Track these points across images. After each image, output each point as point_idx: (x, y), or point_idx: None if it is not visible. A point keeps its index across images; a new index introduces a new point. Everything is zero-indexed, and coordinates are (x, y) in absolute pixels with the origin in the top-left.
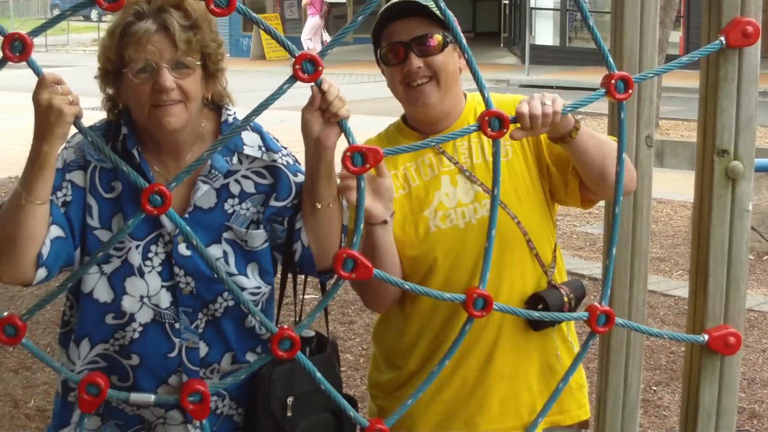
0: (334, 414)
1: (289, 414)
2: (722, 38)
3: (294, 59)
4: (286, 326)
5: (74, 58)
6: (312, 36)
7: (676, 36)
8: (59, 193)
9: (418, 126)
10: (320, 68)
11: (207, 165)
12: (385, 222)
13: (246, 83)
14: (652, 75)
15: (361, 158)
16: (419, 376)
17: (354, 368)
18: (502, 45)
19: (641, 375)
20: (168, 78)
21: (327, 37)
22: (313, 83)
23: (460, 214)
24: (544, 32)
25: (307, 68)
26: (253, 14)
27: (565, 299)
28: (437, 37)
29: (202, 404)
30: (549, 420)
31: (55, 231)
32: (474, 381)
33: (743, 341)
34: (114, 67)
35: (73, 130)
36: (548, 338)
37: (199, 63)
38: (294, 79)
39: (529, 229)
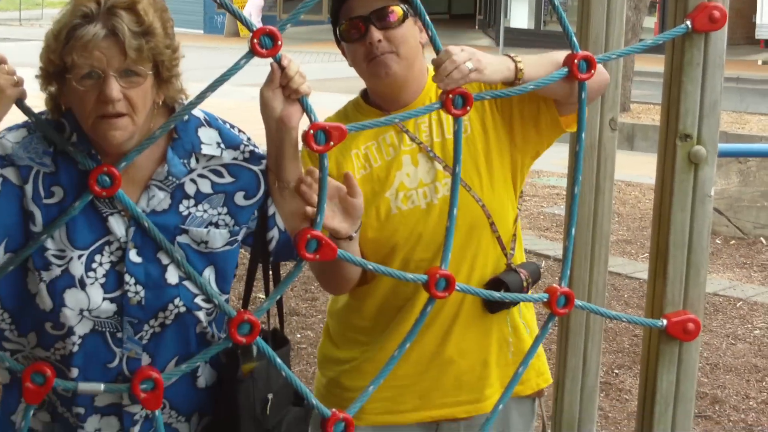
0: (297, 403)
1: (268, 413)
2: (688, 22)
3: (252, 33)
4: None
5: None
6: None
7: (651, 21)
8: None
9: (380, 101)
10: (279, 43)
11: (164, 169)
12: (350, 237)
13: (219, 60)
14: (615, 56)
15: (324, 136)
16: (376, 352)
17: (314, 345)
18: (477, 27)
19: (600, 358)
20: (114, 88)
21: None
22: (271, 58)
23: (421, 194)
24: (519, 15)
25: (266, 43)
26: None
27: (524, 283)
28: (397, 10)
29: (155, 392)
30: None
31: None
32: (429, 358)
33: (707, 326)
34: (57, 71)
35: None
36: (502, 321)
37: (150, 72)
38: (252, 54)
39: (492, 210)
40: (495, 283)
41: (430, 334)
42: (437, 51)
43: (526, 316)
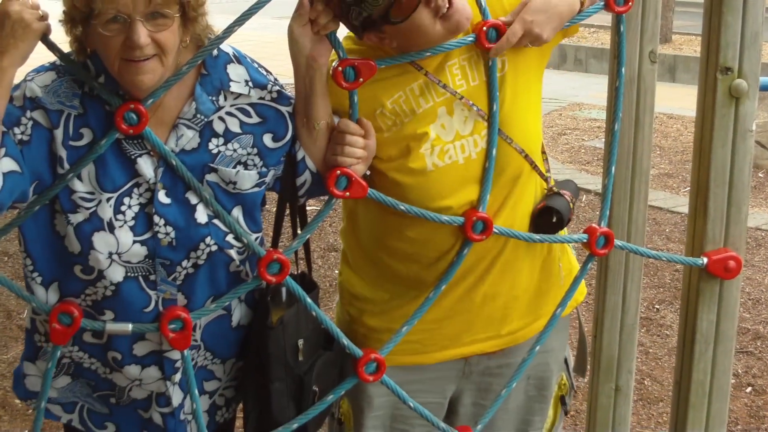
0: (327, 347)
1: (300, 358)
2: None
3: None
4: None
5: None
6: None
7: None
8: (17, 130)
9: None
10: None
11: (192, 107)
12: (364, 177)
13: None
14: None
15: (353, 72)
16: (409, 300)
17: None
18: None
19: (640, 296)
20: (142, 33)
21: None
22: None
23: (459, 148)
24: None
25: None
26: None
27: (570, 205)
28: None
29: (184, 332)
30: (552, 317)
31: (9, 164)
32: (461, 303)
33: (749, 261)
34: (81, 16)
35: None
36: (540, 252)
37: (177, 14)
38: None
39: (532, 152)
40: (545, 211)
41: (464, 281)
42: (481, 8)
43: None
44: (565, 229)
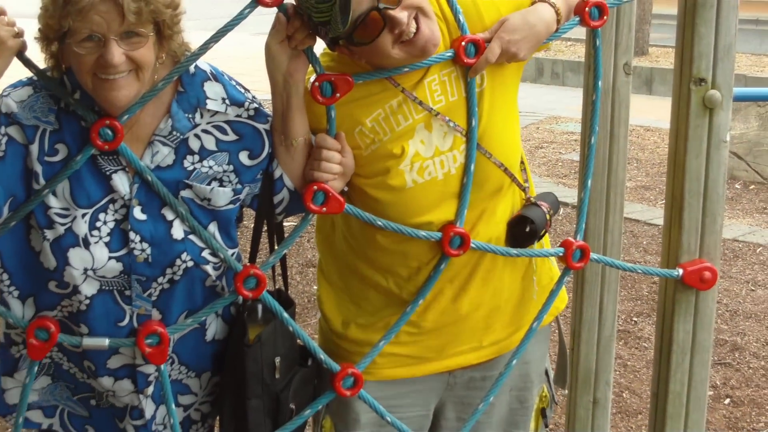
0: (303, 363)
1: (277, 376)
2: None
3: None
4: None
5: None
6: None
7: None
8: None
9: (382, 65)
10: None
11: (168, 124)
12: (341, 193)
13: (235, 8)
14: (627, 0)
15: (330, 88)
16: (390, 317)
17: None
18: None
19: (617, 308)
20: (116, 52)
21: None
22: (276, 8)
23: (438, 163)
24: None
25: None
26: None
27: (547, 215)
28: None
29: (161, 347)
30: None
31: None
32: (445, 315)
33: (726, 272)
34: (56, 35)
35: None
36: (525, 260)
37: (151, 33)
38: (255, 3)
39: (511, 165)
40: (519, 220)
41: (446, 292)
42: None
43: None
44: (547, 238)
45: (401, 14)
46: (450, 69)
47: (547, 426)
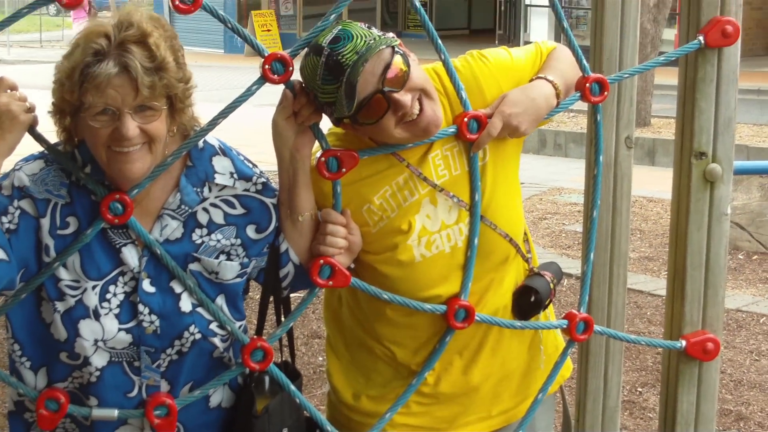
0: None
1: None
2: (701, 38)
3: (263, 59)
4: (256, 336)
5: None
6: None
7: (671, 33)
8: (4, 219)
9: (384, 142)
10: (290, 69)
11: (176, 198)
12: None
13: (240, 80)
14: (627, 75)
15: (336, 163)
16: (401, 384)
17: None
18: (497, 42)
19: (621, 379)
20: (131, 126)
21: None
22: (283, 85)
23: (444, 237)
24: (539, 29)
25: (277, 69)
26: (220, 12)
27: (551, 285)
28: (397, 64)
29: (169, 418)
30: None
31: None
32: (456, 387)
33: (730, 342)
34: (71, 109)
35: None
36: (531, 331)
37: (164, 107)
38: (263, 80)
39: (516, 235)
40: (524, 290)
41: (456, 363)
42: (452, 78)
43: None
44: (551, 307)
45: (405, 97)
46: (452, 144)
47: None
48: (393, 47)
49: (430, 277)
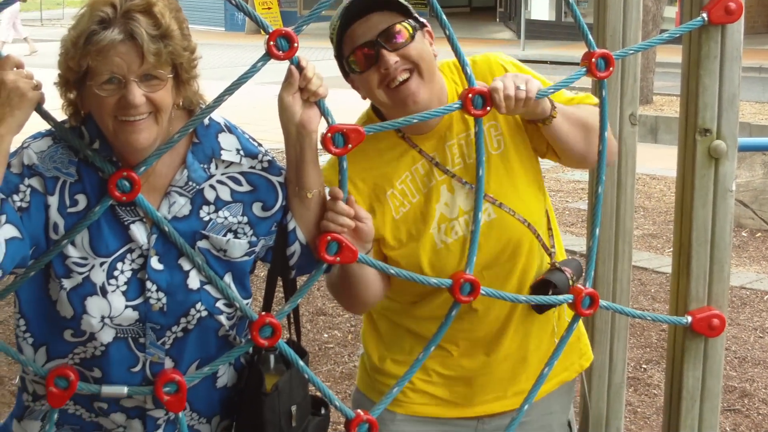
0: (315, 413)
1: (294, 424)
2: (704, 15)
3: (268, 36)
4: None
5: None
6: (14, 22)
7: (672, 11)
8: (16, 197)
9: (403, 128)
10: (295, 45)
11: (183, 175)
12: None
13: (241, 58)
14: (632, 51)
15: (342, 139)
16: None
17: (342, 345)
18: (497, 20)
19: (626, 355)
20: (137, 93)
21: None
22: (288, 61)
23: (463, 223)
24: (540, 7)
25: (282, 45)
26: None
27: (570, 281)
28: (404, 27)
29: (178, 395)
30: (556, 380)
31: (11, 231)
32: (477, 362)
33: (734, 319)
34: (76, 78)
35: (34, 129)
36: (548, 317)
37: (170, 75)
38: (268, 56)
39: (535, 222)
40: (542, 284)
41: (480, 344)
42: (456, 51)
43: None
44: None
45: (392, 58)
46: (466, 133)
47: None
48: (413, 17)
49: (453, 261)
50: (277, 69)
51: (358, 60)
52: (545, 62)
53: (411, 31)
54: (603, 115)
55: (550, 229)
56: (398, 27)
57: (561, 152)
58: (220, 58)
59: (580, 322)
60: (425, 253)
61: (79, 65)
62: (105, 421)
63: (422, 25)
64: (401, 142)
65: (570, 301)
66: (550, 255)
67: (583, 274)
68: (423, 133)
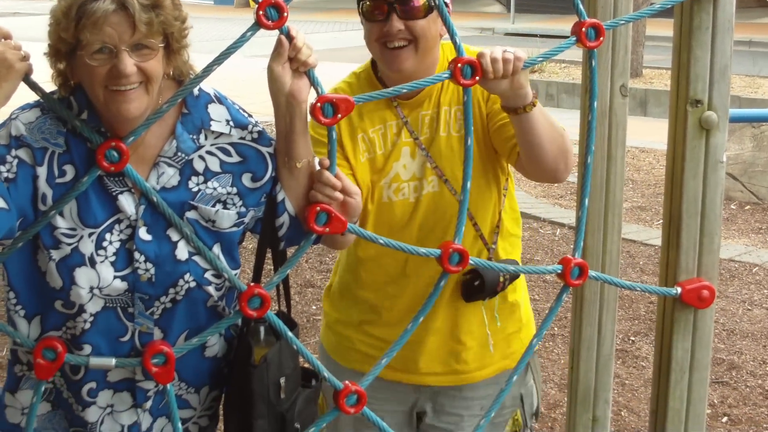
0: (305, 384)
1: (282, 396)
2: None
3: (257, 5)
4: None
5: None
6: None
7: None
8: (2, 168)
9: (389, 84)
10: (285, 14)
11: (172, 146)
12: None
13: (230, 31)
14: (623, 22)
15: (331, 109)
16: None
17: None
18: None
19: (615, 327)
20: (128, 63)
21: None
22: (278, 31)
23: (412, 187)
24: None
25: (271, 14)
26: None
27: (501, 278)
28: (423, 0)
29: (167, 366)
30: (498, 366)
31: None
32: (414, 336)
33: (723, 292)
34: (67, 48)
35: (22, 100)
36: (477, 309)
37: (161, 45)
38: (257, 26)
39: (475, 210)
40: (471, 273)
41: (409, 307)
42: (445, 21)
43: (503, 312)
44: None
45: (397, 24)
46: (435, 110)
47: None
48: None
49: (392, 220)
50: (266, 42)
51: (370, 11)
52: (535, 35)
53: (426, 7)
54: (593, 85)
55: (497, 227)
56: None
57: (528, 151)
58: (209, 31)
59: (525, 315)
60: (372, 202)
61: (72, 36)
62: (90, 412)
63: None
64: (387, 99)
65: (559, 271)
66: (488, 250)
67: (518, 277)
68: (405, 97)
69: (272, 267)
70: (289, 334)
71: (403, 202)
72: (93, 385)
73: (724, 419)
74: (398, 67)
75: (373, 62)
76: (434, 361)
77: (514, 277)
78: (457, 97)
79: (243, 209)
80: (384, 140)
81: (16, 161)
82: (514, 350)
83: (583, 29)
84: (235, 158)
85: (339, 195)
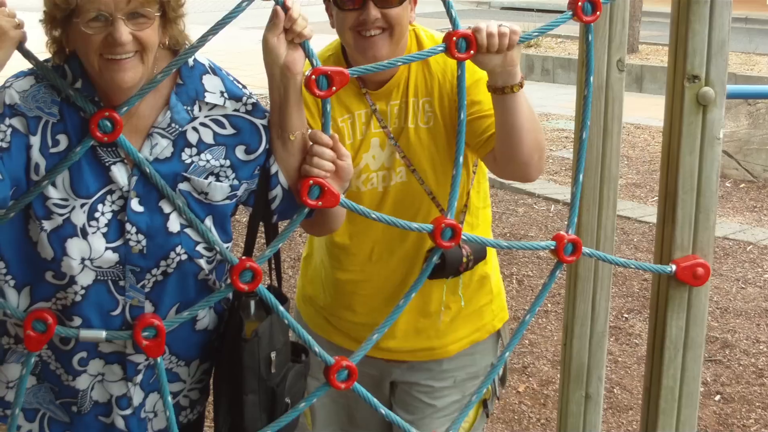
0: (296, 359)
1: (273, 370)
2: None
3: None
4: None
5: None
6: None
7: None
8: None
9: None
10: None
11: (166, 116)
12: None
13: (226, 2)
14: None
15: (326, 81)
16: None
17: None
18: None
19: (609, 304)
20: (124, 31)
21: None
22: (273, 1)
23: (381, 177)
24: None
25: None
26: None
27: (464, 259)
28: None
29: (157, 339)
30: (470, 339)
31: None
32: (371, 310)
33: (717, 270)
34: (63, 15)
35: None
36: (438, 288)
37: (157, 13)
38: None
39: (440, 195)
40: (434, 251)
41: (386, 289)
42: (451, 18)
43: (468, 291)
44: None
45: (374, 12)
46: (404, 100)
47: (488, 416)
48: None
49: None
50: (261, 14)
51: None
52: (531, 9)
53: None
54: (589, 60)
55: (465, 206)
56: None
57: (506, 138)
58: (204, 2)
59: (495, 287)
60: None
61: (67, 2)
62: (81, 380)
63: None
64: (356, 83)
65: (552, 247)
66: None
67: (485, 258)
68: (374, 87)
69: (265, 241)
70: (280, 308)
71: (372, 191)
72: (84, 354)
73: (717, 397)
74: (374, 55)
75: (342, 47)
76: (406, 337)
77: (478, 257)
78: (425, 89)
79: (236, 182)
80: (353, 130)
81: (9, 130)
82: (486, 322)
83: (580, 3)
84: (229, 130)
85: (331, 165)
